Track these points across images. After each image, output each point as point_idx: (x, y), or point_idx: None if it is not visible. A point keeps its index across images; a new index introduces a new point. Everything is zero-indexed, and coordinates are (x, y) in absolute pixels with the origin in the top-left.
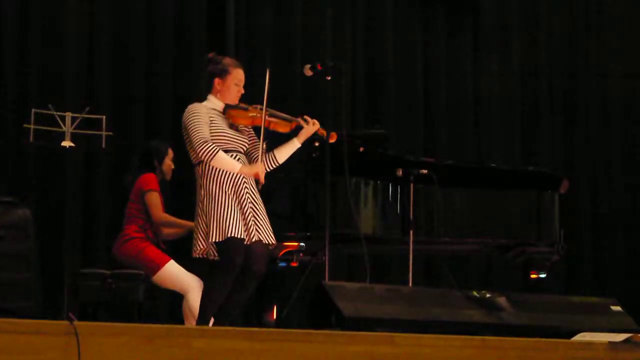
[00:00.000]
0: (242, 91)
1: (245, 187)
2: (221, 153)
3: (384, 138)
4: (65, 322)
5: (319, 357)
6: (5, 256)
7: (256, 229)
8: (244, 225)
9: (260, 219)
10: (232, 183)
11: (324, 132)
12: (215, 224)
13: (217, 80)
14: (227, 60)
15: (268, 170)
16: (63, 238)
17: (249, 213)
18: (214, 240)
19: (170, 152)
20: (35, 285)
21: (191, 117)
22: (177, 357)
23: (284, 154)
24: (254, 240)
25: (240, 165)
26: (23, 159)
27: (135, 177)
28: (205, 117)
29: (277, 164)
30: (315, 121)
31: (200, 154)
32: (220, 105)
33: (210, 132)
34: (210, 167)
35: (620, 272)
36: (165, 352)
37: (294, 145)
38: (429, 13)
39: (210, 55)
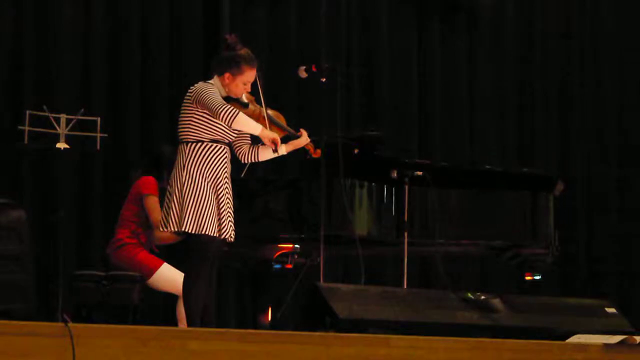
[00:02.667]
0: (249, 89)
1: (226, 177)
2: (242, 114)
3: (379, 140)
4: (60, 324)
5: (314, 359)
6: (0, 257)
7: (230, 226)
8: (218, 219)
9: (231, 212)
10: (214, 171)
11: (312, 148)
12: (192, 214)
13: (227, 75)
14: (244, 56)
15: (244, 162)
16: (58, 239)
17: (225, 206)
18: (187, 229)
19: None
20: (30, 286)
21: (205, 89)
22: (172, 359)
23: (266, 154)
24: (223, 235)
25: (262, 127)
26: (17, 161)
27: (138, 177)
28: (219, 94)
29: (255, 160)
30: (304, 132)
31: (222, 114)
32: (223, 94)
33: (204, 120)
34: (198, 152)
35: (615, 273)
36: (159, 354)
37: (280, 151)
38: (424, 15)
39: (231, 40)
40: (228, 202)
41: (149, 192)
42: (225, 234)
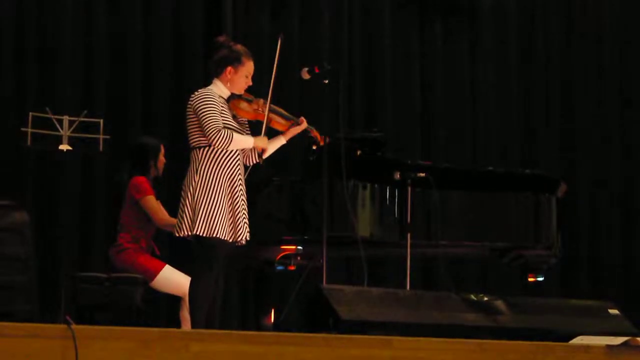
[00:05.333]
0: (250, 83)
1: (240, 179)
2: (236, 135)
3: (382, 141)
4: (63, 326)
5: None
6: (2, 259)
7: (245, 227)
8: (232, 223)
9: (246, 214)
10: (228, 176)
11: (318, 135)
12: (204, 217)
13: (229, 69)
14: (241, 49)
15: (251, 164)
16: (60, 241)
17: (241, 210)
18: (199, 233)
19: (162, 148)
20: (33, 288)
21: (205, 102)
22: None
23: (269, 148)
24: (239, 238)
25: (253, 139)
26: (20, 162)
27: (128, 178)
28: (218, 105)
29: (262, 157)
30: (303, 119)
31: (217, 141)
32: (226, 93)
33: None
34: (211, 156)
35: (618, 275)
36: (162, 356)
37: (280, 141)
38: (426, 16)
39: (222, 39)
40: (243, 204)
41: (142, 195)
42: (240, 236)
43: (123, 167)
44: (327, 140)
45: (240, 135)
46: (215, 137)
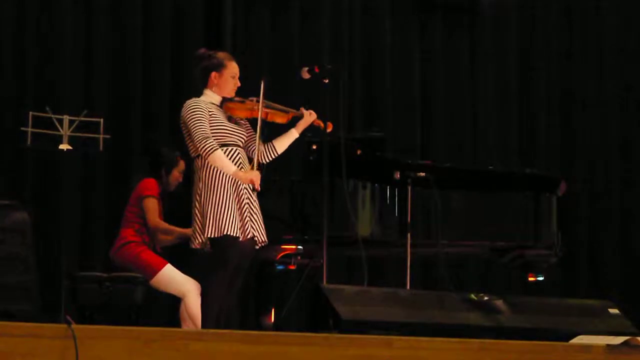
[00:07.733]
0: (239, 84)
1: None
2: (219, 151)
3: (382, 141)
4: (63, 325)
5: None
6: (3, 259)
7: (251, 226)
8: (240, 221)
9: (255, 215)
10: (231, 177)
11: (321, 123)
12: (212, 218)
13: (213, 74)
14: (221, 54)
15: (267, 161)
16: (61, 241)
17: (246, 209)
18: (209, 235)
19: (182, 164)
20: (34, 288)
21: (191, 111)
22: None
23: (282, 144)
24: (248, 237)
25: (235, 168)
26: (20, 162)
27: (140, 179)
28: (205, 111)
29: (276, 154)
30: (312, 112)
31: (200, 149)
32: (217, 99)
33: (210, 126)
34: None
35: (618, 274)
36: (162, 355)
37: (293, 135)
38: (426, 15)
39: (202, 51)
40: (249, 203)
41: (148, 194)
42: (248, 235)
43: (139, 170)
44: (330, 126)
45: (225, 157)
46: (201, 143)
